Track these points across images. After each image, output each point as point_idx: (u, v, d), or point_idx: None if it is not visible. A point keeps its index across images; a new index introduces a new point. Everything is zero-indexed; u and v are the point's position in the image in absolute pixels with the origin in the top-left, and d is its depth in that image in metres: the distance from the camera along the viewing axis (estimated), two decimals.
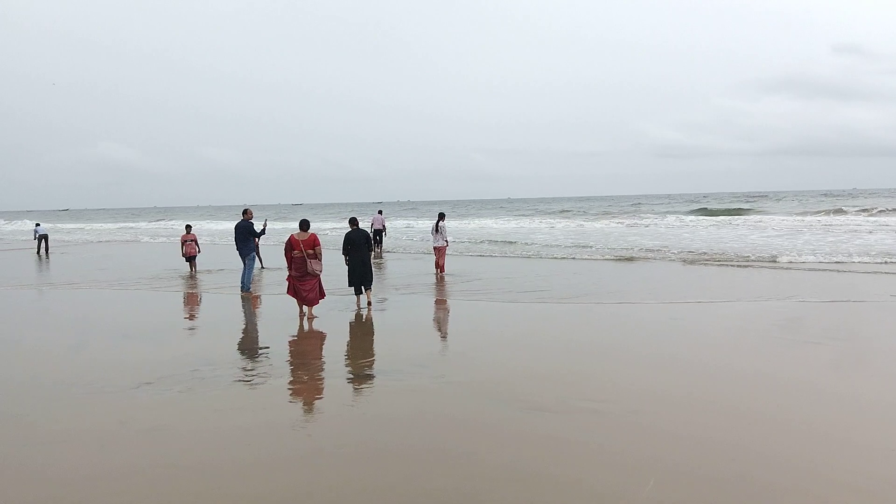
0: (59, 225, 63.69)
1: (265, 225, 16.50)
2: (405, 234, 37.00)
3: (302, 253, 11.37)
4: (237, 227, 15.01)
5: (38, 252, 28.58)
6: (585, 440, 5.47)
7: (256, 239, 15.09)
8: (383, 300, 12.98)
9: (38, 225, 31.18)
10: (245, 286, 14.82)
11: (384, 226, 26.83)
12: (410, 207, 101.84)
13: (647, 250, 22.59)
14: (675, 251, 22.08)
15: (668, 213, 52.51)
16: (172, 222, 66.98)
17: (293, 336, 10.17)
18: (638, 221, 43.22)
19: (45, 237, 29.64)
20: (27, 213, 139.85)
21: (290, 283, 11.57)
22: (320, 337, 10.23)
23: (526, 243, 27.56)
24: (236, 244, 14.98)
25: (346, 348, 9.35)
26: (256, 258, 19.87)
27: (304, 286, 11.39)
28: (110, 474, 4.94)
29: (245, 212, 15.37)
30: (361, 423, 6.02)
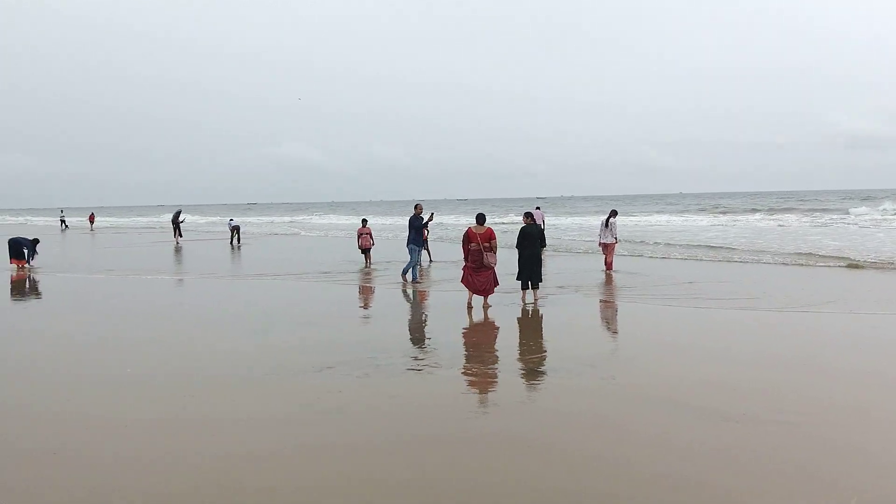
0: (246, 218, 69.30)
1: (431, 217, 17.28)
2: (567, 231, 36.54)
3: (479, 245, 11.83)
4: (410, 221, 16.13)
5: (231, 243, 31.30)
6: (772, 454, 5.11)
7: (426, 233, 15.93)
8: (549, 297, 12.91)
9: (231, 220, 34.15)
10: (407, 274, 15.80)
11: (544, 221, 26.68)
12: (572, 203, 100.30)
13: (824, 256, 20.64)
14: (865, 253, 19.97)
15: (855, 210, 47.55)
16: (345, 217, 70.61)
17: (462, 328, 10.39)
18: (826, 219, 39.64)
19: (237, 229, 32.45)
20: (220, 207, 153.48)
21: (465, 272, 12.12)
22: (488, 330, 10.38)
23: (698, 244, 26.20)
24: (409, 237, 15.98)
25: (514, 343, 9.41)
26: (425, 252, 20.68)
27: (480, 277, 11.89)
28: (295, 452, 5.32)
29: (416, 206, 16.40)
30: (531, 418, 6.03)
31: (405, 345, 9.31)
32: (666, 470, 4.85)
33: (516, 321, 10.94)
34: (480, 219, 12.32)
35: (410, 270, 15.89)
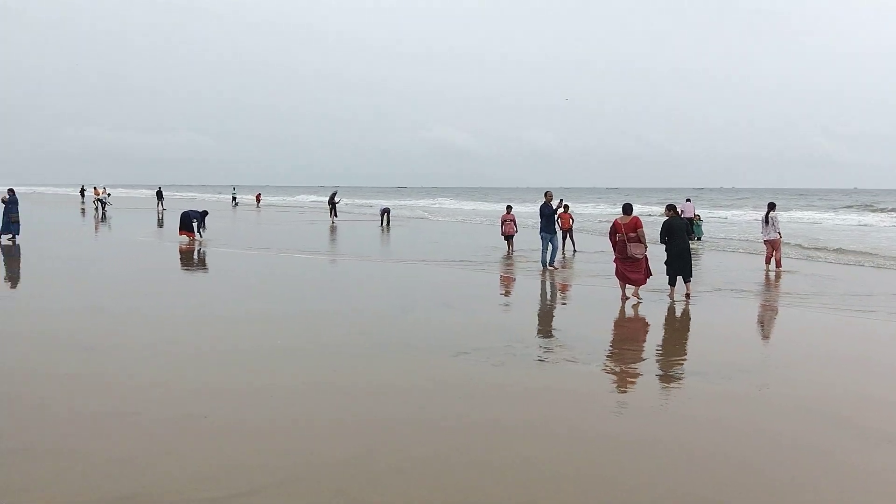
0: (395, 202, 71.43)
1: (558, 206, 17.24)
2: (724, 226, 34.48)
3: (624, 236, 11.48)
4: (541, 209, 16.27)
5: (381, 225, 32.43)
6: None
7: (571, 221, 15.88)
8: (701, 295, 12.21)
9: (383, 208, 35.35)
10: (544, 262, 15.89)
11: (697, 215, 25.37)
12: (733, 196, 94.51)
13: None
14: None
15: None
16: (493, 203, 70.95)
17: (603, 322, 10.08)
18: None
19: (388, 211, 33.61)
20: (372, 190, 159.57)
21: (616, 264, 11.86)
22: (632, 326, 10.00)
23: (873, 250, 23.78)
24: (540, 224, 16.14)
25: (658, 341, 9.00)
26: (568, 241, 20.35)
27: (629, 268, 11.58)
28: (429, 430, 5.36)
29: (546, 194, 16.64)
30: (670, 422, 5.71)
31: (543, 336, 9.17)
32: (824, 495, 4.40)
33: (663, 319, 10.44)
34: (626, 209, 11.97)
35: (547, 255, 16.01)
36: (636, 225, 11.53)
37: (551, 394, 6.44)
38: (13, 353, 7.61)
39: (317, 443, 5.10)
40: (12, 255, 17.81)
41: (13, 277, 14.40)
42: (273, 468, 4.62)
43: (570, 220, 20.68)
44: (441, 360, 7.50)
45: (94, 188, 49.50)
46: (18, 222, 21.17)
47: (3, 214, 21.05)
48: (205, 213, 23.35)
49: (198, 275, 15.35)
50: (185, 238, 22.06)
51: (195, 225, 22.35)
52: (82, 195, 56.62)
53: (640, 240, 11.44)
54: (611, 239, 11.92)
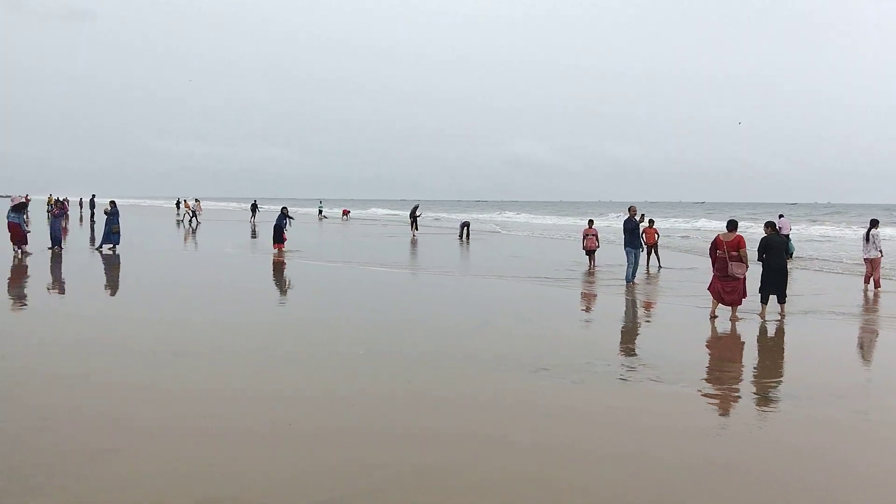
0: (475, 215, 71.55)
1: (640, 219, 16.86)
2: (819, 243, 32.83)
3: (725, 254, 11.09)
4: (624, 224, 16.10)
5: (460, 238, 32.57)
6: None
7: (656, 236, 15.72)
8: (795, 315, 11.64)
9: (463, 222, 35.50)
10: (627, 278, 15.60)
11: (790, 230, 24.33)
12: (832, 211, 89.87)
13: None
14: None
15: None
16: (571, 217, 70.11)
17: (689, 341, 9.75)
18: None
19: (467, 225, 33.74)
20: (451, 204, 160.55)
21: (713, 280, 11.51)
22: (721, 346, 9.63)
23: None
24: (624, 240, 15.95)
25: (749, 362, 8.66)
26: (653, 257, 19.85)
27: (726, 287, 11.17)
28: (506, 447, 5.30)
29: (630, 209, 16.39)
30: (759, 448, 5.44)
31: (625, 354, 8.96)
32: None
33: (754, 339, 10.02)
34: (730, 225, 11.54)
35: (629, 271, 15.73)
36: (739, 244, 11.12)
37: (633, 414, 6.26)
38: (105, 358, 8.01)
39: (394, 453, 5.12)
40: (112, 264, 18.82)
41: (112, 285, 15.20)
42: (354, 477, 4.67)
43: (655, 236, 20.18)
44: (519, 375, 7.42)
45: (185, 201, 51.86)
46: (119, 233, 22.34)
47: (105, 225, 22.28)
48: (283, 208, 24.08)
49: (282, 285, 15.78)
50: (277, 250, 22.75)
51: (285, 232, 23.09)
52: (178, 207, 59.34)
53: (741, 259, 11.06)
54: (711, 255, 11.58)
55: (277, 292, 14.68)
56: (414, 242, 30.95)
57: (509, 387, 7.00)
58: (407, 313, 11.65)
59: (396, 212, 79.82)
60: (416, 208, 38.28)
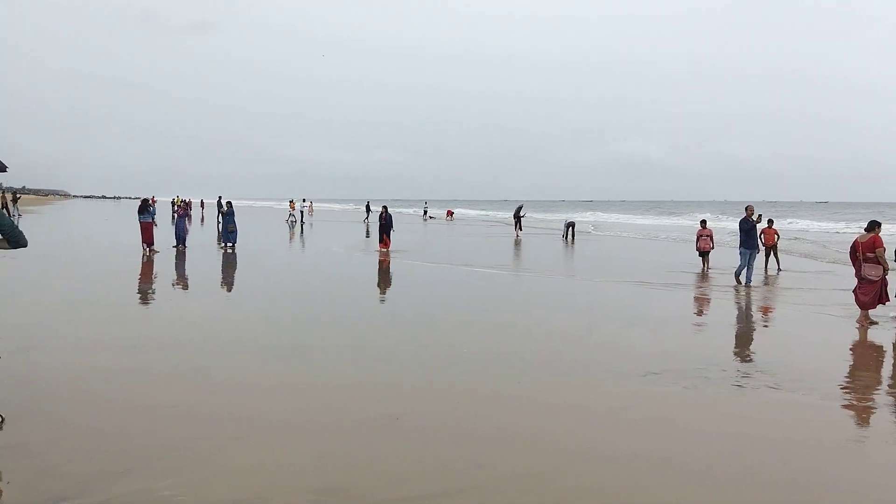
0: (581, 216, 70.29)
1: (757, 220, 16.25)
2: None
3: (861, 255, 10.58)
4: (740, 224, 15.86)
5: (564, 239, 32.15)
6: None
7: (776, 238, 15.67)
8: None
9: (567, 219, 35.00)
10: (741, 276, 15.36)
11: None
12: None
13: None
14: None
15: None
16: (681, 218, 67.64)
17: (810, 347, 9.20)
18: None
19: (572, 225, 33.28)
20: (558, 204, 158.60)
21: (857, 284, 10.98)
22: (844, 354, 9.04)
23: None
24: (740, 240, 15.72)
25: (877, 371, 8.06)
26: (773, 258, 18.87)
27: (862, 289, 10.60)
28: (610, 454, 5.17)
29: (747, 208, 16.04)
30: (887, 465, 5.05)
31: (740, 359, 8.56)
32: None
33: (887, 347, 9.33)
34: (870, 226, 10.99)
35: (744, 273, 15.35)
36: (875, 244, 10.53)
37: (750, 423, 5.97)
38: (226, 352, 8.43)
39: (498, 454, 5.11)
40: (229, 262, 19.82)
41: (229, 282, 16.01)
42: (460, 473, 4.70)
43: (775, 237, 19.19)
44: (627, 380, 7.23)
45: (291, 201, 53.89)
46: (235, 232, 23.51)
47: (223, 225, 23.49)
48: (384, 208, 24.55)
49: (385, 283, 16.10)
50: (382, 249, 23.26)
51: (390, 230, 23.56)
52: (292, 207, 61.84)
53: (877, 261, 10.46)
54: (851, 258, 11.13)
55: (383, 290, 14.99)
56: (518, 243, 30.82)
57: (615, 392, 6.84)
58: (510, 315, 11.61)
59: (498, 213, 79.88)
60: (520, 208, 38.10)
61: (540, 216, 67.35)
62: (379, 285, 15.82)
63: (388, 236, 23.64)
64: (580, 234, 36.53)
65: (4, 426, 5.29)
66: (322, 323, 10.41)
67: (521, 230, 36.40)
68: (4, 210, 42.26)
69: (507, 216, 61.86)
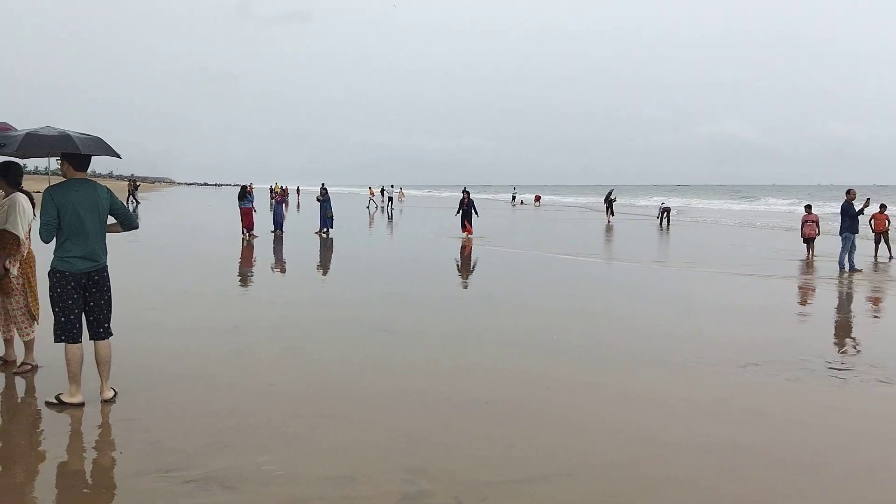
0: (674, 200, 68.14)
1: (865, 205, 15.99)
2: None
3: None
4: (843, 208, 15.58)
5: (659, 225, 31.29)
6: None
7: (887, 223, 15.61)
8: None
9: (662, 202, 34.07)
10: (841, 265, 14.99)
11: None
12: None
13: None
14: None
15: None
16: (785, 202, 64.44)
17: None
18: None
19: (668, 210, 32.37)
20: (648, 188, 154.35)
21: None
22: None
23: None
24: (842, 224, 15.39)
25: None
26: (883, 245, 17.75)
27: None
28: (704, 445, 5.02)
29: (848, 192, 15.82)
30: None
31: (846, 351, 8.11)
32: None
33: None
34: None
35: (847, 259, 14.94)
36: None
37: (859, 418, 5.65)
38: (322, 332, 8.69)
39: (587, 442, 5.06)
40: (327, 247, 20.38)
41: (325, 266, 16.46)
42: (548, 460, 4.68)
43: (886, 222, 18.02)
44: (724, 370, 6.98)
45: (370, 188, 54.72)
46: (332, 217, 24.13)
47: (320, 211, 24.16)
48: (465, 193, 24.48)
49: (471, 269, 16.13)
50: (465, 235, 23.30)
51: (473, 217, 23.54)
52: (382, 194, 62.91)
53: None
54: None
55: (469, 276, 15.03)
56: (609, 229, 30.23)
57: (714, 382, 6.62)
58: (602, 303, 11.42)
59: (590, 198, 78.48)
60: (611, 193, 37.39)
61: (628, 201, 65.80)
62: (465, 270, 15.89)
63: (470, 223, 23.58)
64: (684, 221, 35.43)
65: (118, 400, 5.65)
66: (411, 306, 10.55)
67: (612, 215, 35.70)
68: (131, 197, 45.19)
69: (597, 201, 60.89)
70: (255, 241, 20.67)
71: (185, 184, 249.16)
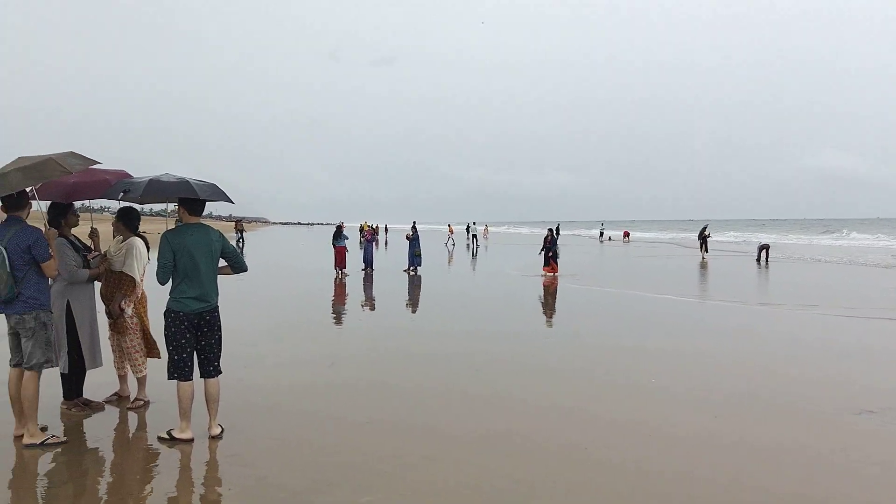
0: (775, 237, 65.34)
1: None
2: None
3: None
4: None
5: (757, 262, 30.06)
6: None
7: None
8: None
9: (762, 244, 32.78)
10: None
11: None
12: None
13: None
14: None
15: None
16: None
17: None
18: None
19: (766, 248, 31.15)
20: (744, 223, 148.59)
21: None
22: None
23: None
24: None
25: None
26: None
27: None
28: (823, 501, 4.71)
29: None
30: None
31: None
32: None
33: None
34: None
35: None
36: None
37: None
38: (416, 367, 8.74)
39: (692, 499, 4.85)
40: (415, 284, 20.62)
41: (413, 302, 16.63)
42: None
43: None
44: (838, 418, 6.57)
45: (449, 226, 55.33)
46: (420, 255, 24.47)
47: (409, 249, 24.53)
48: (549, 230, 24.24)
49: (557, 307, 15.89)
50: (548, 273, 22.98)
51: (555, 255, 23.22)
52: (467, 231, 63.27)
53: None
54: None
55: (554, 314, 14.82)
56: (704, 266, 29.26)
57: (827, 431, 6.25)
58: (700, 345, 11.01)
59: (678, 233, 76.41)
60: (705, 228, 36.23)
61: (721, 238, 63.58)
62: (552, 308, 15.68)
63: (555, 261, 23.14)
64: (785, 258, 33.95)
65: (224, 436, 5.85)
66: (500, 344, 10.46)
67: (707, 252, 34.57)
68: (240, 236, 47.65)
69: (684, 237, 59.19)
70: (347, 279, 21.16)
71: (280, 223, 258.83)
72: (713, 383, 8.05)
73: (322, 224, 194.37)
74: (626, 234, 64.05)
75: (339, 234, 23.23)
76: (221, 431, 5.88)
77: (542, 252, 23.75)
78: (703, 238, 35.05)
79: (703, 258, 33.21)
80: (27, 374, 5.59)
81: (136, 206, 6.87)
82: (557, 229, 52.38)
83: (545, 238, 23.97)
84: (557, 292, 18.57)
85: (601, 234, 65.15)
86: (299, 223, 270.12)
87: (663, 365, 9.13)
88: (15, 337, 5.68)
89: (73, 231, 6.60)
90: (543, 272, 22.98)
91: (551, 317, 14.39)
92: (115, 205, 6.70)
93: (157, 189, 5.56)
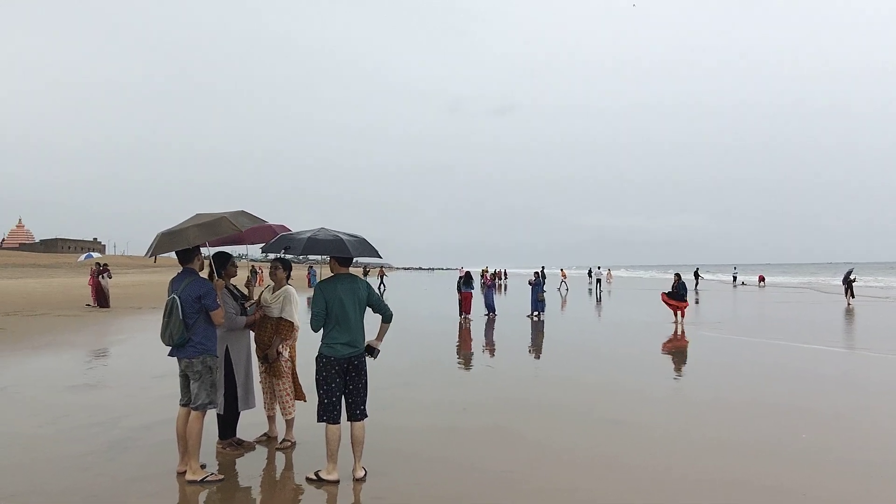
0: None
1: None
2: None
3: None
4: None
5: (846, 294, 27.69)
6: None
7: None
8: None
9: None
10: None
11: None
12: None
13: None
14: None
15: None
16: None
17: None
18: None
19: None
20: (880, 266, 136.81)
21: None
22: None
23: None
24: None
25: None
26: None
27: None
28: None
29: None
30: None
31: None
32: None
33: None
34: None
35: None
36: None
37: None
38: (544, 417, 8.68)
39: None
40: (538, 329, 20.51)
41: (537, 349, 16.52)
42: None
43: None
44: None
45: (562, 270, 54.90)
46: (544, 301, 24.39)
47: (531, 294, 24.51)
48: (676, 276, 23.19)
49: (701, 359, 15.25)
50: (671, 313, 22.07)
51: (685, 294, 22.21)
52: (589, 275, 62.30)
53: None
54: None
55: (682, 365, 14.24)
56: (850, 312, 27.26)
57: None
58: (855, 403, 10.26)
59: (818, 277, 71.63)
60: (850, 272, 33.83)
61: (867, 281, 58.86)
62: (684, 359, 15.09)
63: (679, 301, 22.05)
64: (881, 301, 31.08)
65: (367, 479, 6.07)
66: (642, 397, 10.17)
67: (853, 297, 32.21)
68: (382, 281, 50.07)
69: (819, 280, 55.34)
70: (471, 324, 21.37)
71: (403, 268, 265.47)
72: (868, 447, 7.48)
73: (442, 269, 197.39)
74: (762, 279, 60.70)
75: (468, 281, 23.59)
76: (365, 474, 6.11)
77: (671, 296, 22.72)
78: (848, 283, 32.73)
79: (850, 304, 30.95)
80: (193, 413, 6.09)
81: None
82: (697, 272, 51.30)
83: (673, 284, 22.88)
84: (694, 341, 17.86)
85: (734, 278, 62.20)
86: (420, 268, 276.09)
87: (817, 424, 8.55)
88: (185, 378, 6.22)
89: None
90: (677, 317, 22.02)
91: (680, 368, 13.85)
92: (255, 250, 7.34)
93: (314, 246, 5.98)
